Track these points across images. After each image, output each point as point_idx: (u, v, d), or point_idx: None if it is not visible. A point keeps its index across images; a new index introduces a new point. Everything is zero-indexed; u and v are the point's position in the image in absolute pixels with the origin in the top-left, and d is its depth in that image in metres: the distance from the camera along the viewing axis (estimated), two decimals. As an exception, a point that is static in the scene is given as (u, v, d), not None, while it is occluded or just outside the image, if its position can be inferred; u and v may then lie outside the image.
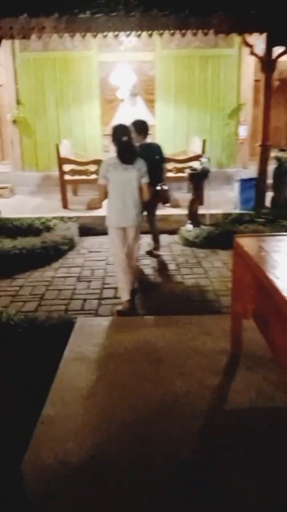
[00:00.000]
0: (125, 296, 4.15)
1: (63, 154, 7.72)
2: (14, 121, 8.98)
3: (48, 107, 9.00)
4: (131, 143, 4.06)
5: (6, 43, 8.48)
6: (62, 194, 7.69)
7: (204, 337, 3.48)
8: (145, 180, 4.03)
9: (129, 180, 3.97)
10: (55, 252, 5.79)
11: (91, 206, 7.50)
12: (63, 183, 7.62)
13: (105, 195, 4.09)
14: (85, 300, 4.46)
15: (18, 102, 8.91)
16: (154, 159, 5.05)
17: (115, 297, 4.45)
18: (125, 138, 3.94)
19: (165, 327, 3.66)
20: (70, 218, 7.01)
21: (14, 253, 5.44)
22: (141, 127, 5.04)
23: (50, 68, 8.79)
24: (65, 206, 7.71)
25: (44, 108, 9.00)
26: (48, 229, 6.71)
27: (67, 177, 7.62)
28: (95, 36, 6.05)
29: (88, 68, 8.80)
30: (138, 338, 3.49)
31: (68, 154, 8.16)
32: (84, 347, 3.36)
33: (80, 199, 8.55)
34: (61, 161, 7.49)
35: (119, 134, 3.97)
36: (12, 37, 5.93)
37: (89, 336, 3.53)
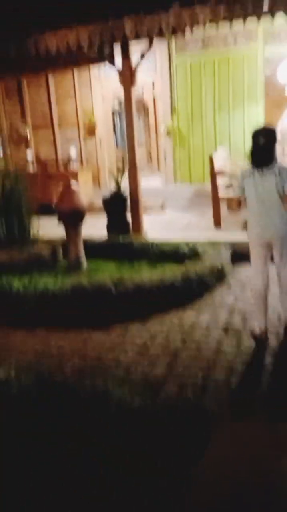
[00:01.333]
0: (258, 323, 3.67)
1: (219, 165, 6.68)
2: (168, 132, 8.27)
3: (204, 114, 8.08)
4: (269, 146, 3.50)
5: (161, 45, 7.86)
6: (214, 212, 6.65)
7: None
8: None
9: (268, 187, 3.48)
10: (199, 287, 4.77)
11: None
12: (216, 200, 6.58)
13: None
14: (231, 369, 3.31)
15: (173, 111, 8.18)
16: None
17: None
18: (262, 141, 3.48)
19: None
20: (220, 243, 5.95)
21: (151, 287, 4.58)
22: None
23: (209, 69, 7.86)
24: (217, 224, 6.65)
25: (200, 115, 8.10)
26: (195, 255, 5.76)
27: (221, 192, 6.56)
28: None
29: (252, 65, 7.61)
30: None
31: (224, 165, 7.09)
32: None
33: (237, 216, 7.40)
34: (214, 174, 6.46)
35: (258, 136, 3.49)
36: (161, 33, 5.11)
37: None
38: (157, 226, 7.22)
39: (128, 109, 6.27)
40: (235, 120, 7.90)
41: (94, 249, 6.29)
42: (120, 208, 6.61)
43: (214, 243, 5.95)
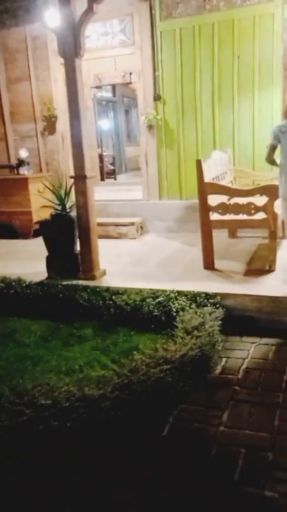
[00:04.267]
0: None
1: (211, 175, 4.47)
2: (150, 126, 6.07)
3: (199, 102, 5.85)
4: None
5: (142, 9, 5.69)
6: (203, 246, 4.44)
7: None
8: None
9: None
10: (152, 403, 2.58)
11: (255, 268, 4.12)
12: (205, 228, 4.37)
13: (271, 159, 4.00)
14: None
15: (157, 98, 5.98)
16: None
17: None
18: None
19: None
20: (209, 296, 3.75)
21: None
22: None
23: (206, 39, 5.63)
24: (209, 266, 4.44)
25: (193, 104, 5.88)
26: (167, 319, 3.60)
27: (214, 216, 4.35)
28: None
29: (266, 30, 5.37)
30: None
31: (221, 174, 4.89)
32: None
33: (240, 244, 5.20)
34: (203, 187, 4.25)
35: None
36: None
37: None
38: (126, 259, 5.04)
39: (72, 93, 4.12)
40: (242, 111, 5.68)
41: (16, 299, 4.16)
42: (65, 236, 4.45)
43: (197, 299, 3.76)
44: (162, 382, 2.56)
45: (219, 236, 5.06)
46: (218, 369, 3.09)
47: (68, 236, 4.42)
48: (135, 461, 2.26)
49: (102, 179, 10.84)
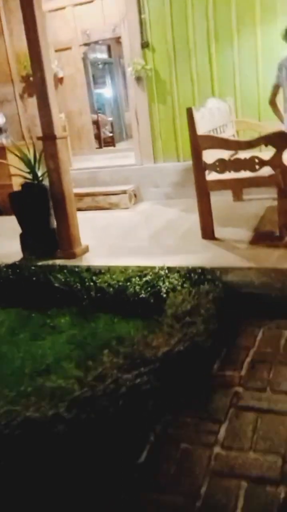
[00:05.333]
0: None
1: (206, 127, 3.75)
2: (138, 78, 5.31)
3: (193, 46, 5.06)
4: None
5: None
6: (200, 212, 3.75)
7: None
8: None
9: None
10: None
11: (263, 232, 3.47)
12: (201, 189, 3.68)
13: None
14: None
15: (145, 45, 5.19)
16: None
17: None
18: None
19: None
20: (211, 272, 3.09)
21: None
22: None
23: None
24: (207, 235, 3.77)
25: (186, 50, 5.09)
26: (157, 300, 2.98)
27: (212, 175, 3.64)
28: None
29: None
30: None
31: (220, 128, 4.17)
32: None
33: (247, 207, 4.52)
34: (196, 142, 3.54)
35: None
36: None
37: None
38: (113, 234, 4.40)
39: (29, 23, 3.40)
40: (243, 52, 4.88)
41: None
42: (38, 209, 3.81)
43: (195, 276, 3.12)
44: (138, 391, 1.95)
45: (221, 200, 4.37)
46: (216, 364, 2.46)
47: (42, 209, 3.78)
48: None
49: (100, 147, 10.11)
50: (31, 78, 5.79)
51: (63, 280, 3.38)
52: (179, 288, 3.01)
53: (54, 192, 3.64)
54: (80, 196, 5.48)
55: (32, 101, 6.04)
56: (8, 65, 5.96)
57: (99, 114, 10.99)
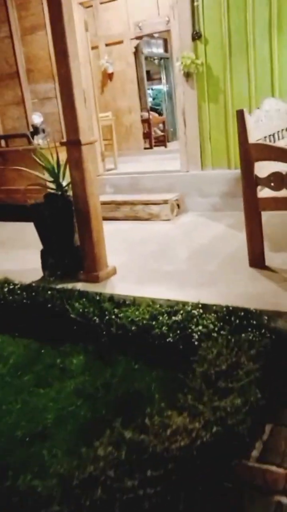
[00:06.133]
0: None
1: (261, 134, 3.13)
2: (188, 74, 4.72)
3: (252, 37, 4.40)
4: None
5: None
6: (248, 234, 3.13)
7: None
8: None
9: None
10: None
11: None
12: (251, 208, 3.05)
13: None
14: None
15: (197, 36, 4.60)
16: None
17: None
18: None
19: None
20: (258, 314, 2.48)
21: None
22: None
23: None
24: (255, 262, 3.15)
25: (244, 41, 4.44)
26: (188, 346, 2.43)
27: (265, 192, 3.01)
28: None
29: None
30: None
31: (280, 133, 3.53)
32: None
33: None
34: (248, 150, 2.92)
35: None
36: None
37: None
38: (148, 252, 3.87)
39: (55, 15, 2.93)
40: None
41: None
42: (61, 223, 3.35)
43: (235, 319, 2.53)
44: (139, 507, 1.41)
45: (276, 217, 3.72)
46: (255, 451, 1.87)
47: (65, 225, 3.31)
48: None
49: (150, 147, 9.60)
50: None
51: (80, 310, 2.90)
52: (214, 334, 2.43)
53: (78, 206, 3.16)
54: (118, 204, 4.99)
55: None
56: (50, 60, 5.56)
57: (151, 112, 10.47)
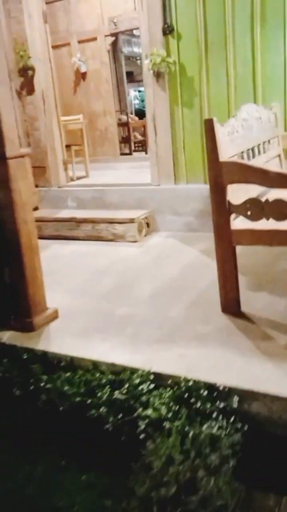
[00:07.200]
0: None
1: (236, 149, 2.49)
2: (158, 74, 4.08)
3: (232, 32, 3.78)
4: None
5: None
6: (221, 275, 2.49)
7: None
8: None
9: None
10: None
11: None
12: (223, 242, 2.41)
13: None
14: None
15: (168, 30, 3.96)
16: None
17: None
18: None
19: None
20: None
21: None
22: None
23: None
24: (228, 307, 2.51)
25: (222, 36, 3.82)
26: (132, 439, 1.77)
27: (241, 222, 2.38)
28: None
29: None
30: None
31: (259, 147, 2.90)
32: None
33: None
34: (219, 170, 2.28)
35: None
36: None
37: None
38: (103, 286, 3.22)
39: None
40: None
41: None
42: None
43: (196, 399, 1.88)
44: None
45: (254, 248, 3.09)
46: None
47: (-7, 256, 2.64)
48: None
49: (130, 153, 8.94)
50: (29, 72, 4.74)
51: (0, 375, 2.24)
52: (166, 424, 1.79)
53: (6, 235, 2.49)
54: (78, 222, 4.34)
55: (30, 100, 4.96)
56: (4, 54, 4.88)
57: (131, 116, 9.82)
